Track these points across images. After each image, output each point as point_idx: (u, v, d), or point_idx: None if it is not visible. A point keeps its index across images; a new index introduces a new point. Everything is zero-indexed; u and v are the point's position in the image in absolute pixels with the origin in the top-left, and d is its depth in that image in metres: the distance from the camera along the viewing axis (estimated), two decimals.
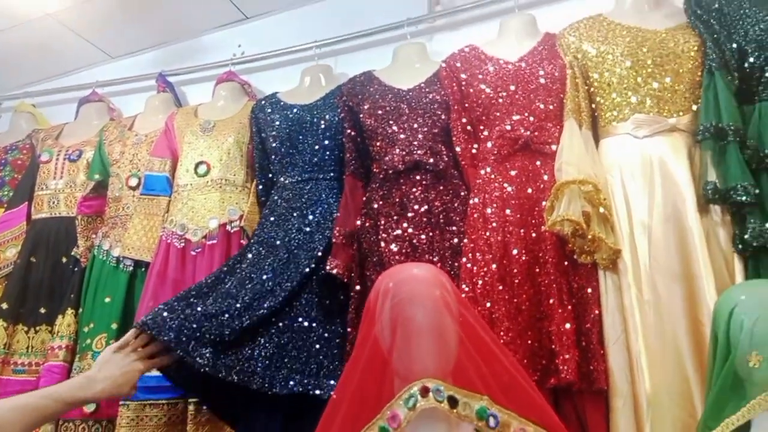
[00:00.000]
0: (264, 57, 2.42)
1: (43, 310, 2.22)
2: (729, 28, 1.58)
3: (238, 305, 1.63)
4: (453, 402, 1.02)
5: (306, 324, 1.72)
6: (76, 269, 2.20)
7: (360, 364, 1.14)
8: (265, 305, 1.67)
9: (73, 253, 2.23)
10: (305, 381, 1.61)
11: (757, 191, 1.41)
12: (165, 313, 1.53)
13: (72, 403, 1.30)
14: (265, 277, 1.74)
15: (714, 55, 1.55)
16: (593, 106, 1.71)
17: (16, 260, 2.29)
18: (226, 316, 1.60)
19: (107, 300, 2.08)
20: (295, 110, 2.06)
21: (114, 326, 2.03)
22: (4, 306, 2.21)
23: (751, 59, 1.53)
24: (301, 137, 2.00)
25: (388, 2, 2.29)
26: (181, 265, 2.01)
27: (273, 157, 2.05)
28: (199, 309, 1.59)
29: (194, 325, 1.52)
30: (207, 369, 1.50)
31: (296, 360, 1.65)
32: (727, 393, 1.15)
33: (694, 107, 1.59)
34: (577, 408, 1.49)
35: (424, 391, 1.00)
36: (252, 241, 1.89)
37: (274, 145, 2.03)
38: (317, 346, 1.69)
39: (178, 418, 1.84)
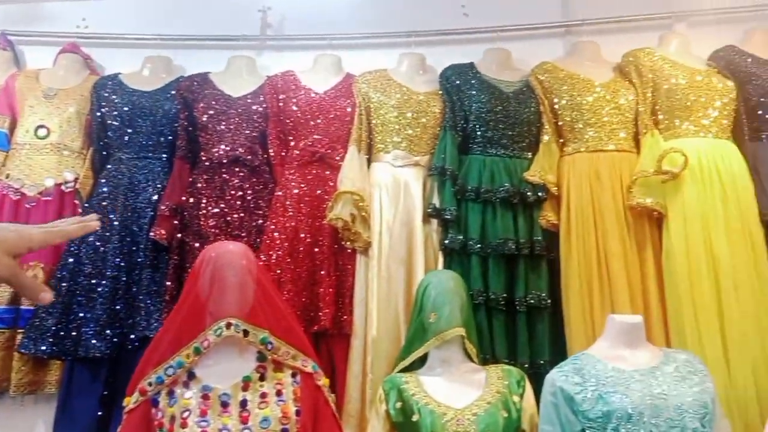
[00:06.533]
0: (109, 37, 2.70)
1: None
2: (461, 101, 2.35)
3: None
4: (246, 333, 1.61)
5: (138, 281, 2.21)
6: None
7: (183, 309, 1.66)
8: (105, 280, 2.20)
9: None
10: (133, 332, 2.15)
11: (456, 213, 2.19)
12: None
13: None
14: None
15: (449, 117, 2.31)
16: (370, 138, 2.38)
17: None
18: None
19: None
20: (135, 96, 2.43)
21: None
22: None
23: (470, 125, 2.32)
24: (140, 120, 2.39)
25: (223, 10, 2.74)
26: (14, 216, 2.29)
27: (111, 133, 2.40)
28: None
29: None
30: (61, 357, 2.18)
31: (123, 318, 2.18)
32: (416, 336, 1.90)
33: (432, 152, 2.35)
34: (329, 347, 2.19)
35: (228, 326, 1.58)
36: (88, 207, 2.27)
37: (113, 123, 2.39)
38: (141, 297, 2.17)
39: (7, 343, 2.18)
